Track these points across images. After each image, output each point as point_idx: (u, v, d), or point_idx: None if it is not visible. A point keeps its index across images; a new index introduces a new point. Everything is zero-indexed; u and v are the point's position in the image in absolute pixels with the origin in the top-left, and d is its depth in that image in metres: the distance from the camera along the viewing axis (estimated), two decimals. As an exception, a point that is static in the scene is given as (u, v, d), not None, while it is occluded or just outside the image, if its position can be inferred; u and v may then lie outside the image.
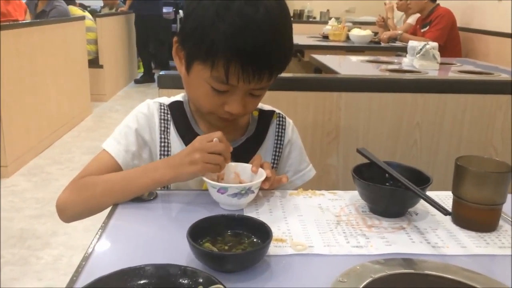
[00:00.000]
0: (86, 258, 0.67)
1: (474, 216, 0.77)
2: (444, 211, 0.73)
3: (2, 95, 2.87)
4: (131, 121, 0.95)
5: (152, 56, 6.33)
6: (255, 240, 0.69)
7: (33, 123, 3.34)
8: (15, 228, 2.33)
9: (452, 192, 0.80)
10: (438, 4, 3.80)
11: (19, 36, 3.13)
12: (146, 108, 0.97)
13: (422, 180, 0.82)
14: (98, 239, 0.72)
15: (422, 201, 0.80)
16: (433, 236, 0.76)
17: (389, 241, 0.73)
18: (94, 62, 4.83)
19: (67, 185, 0.90)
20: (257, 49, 0.79)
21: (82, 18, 4.45)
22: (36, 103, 3.39)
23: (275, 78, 0.88)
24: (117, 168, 0.91)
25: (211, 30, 0.79)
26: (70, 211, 0.89)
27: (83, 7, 5.51)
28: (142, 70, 6.35)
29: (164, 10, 6.57)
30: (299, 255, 0.69)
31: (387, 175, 0.85)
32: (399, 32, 3.84)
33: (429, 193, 0.79)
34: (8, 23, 3.09)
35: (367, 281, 0.61)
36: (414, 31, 3.95)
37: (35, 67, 3.38)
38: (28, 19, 3.50)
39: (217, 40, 0.79)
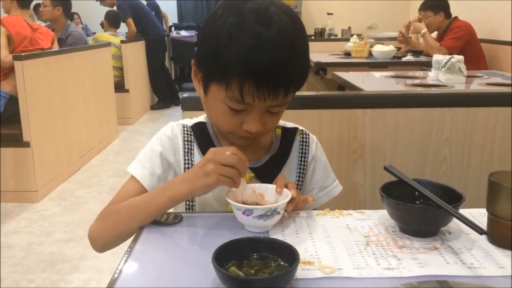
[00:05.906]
0: (112, 283, 0.67)
1: (511, 235, 0.74)
2: (479, 230, 0.70)
3: (33, 121, 2.95)
4: (155, 144, 0.97)
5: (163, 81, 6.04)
6: (282, 263, 0.67)
7: (62, 148, 3.41)
8: (45, 252, 2.37)
9: (487, 210, 0.76)
10: (456, 17, 3.76)
11: (49, 64, 3.23)
12: (170, 130, 0.98)
13: (454, 198, 0.79)
14: (124, 263, 0.72)
15: (455, 220, 0.77)
16: (468, 256, 0.72)
17: (422, 262, 0.70)
18: (119, 87, 4.93)
19: (97, 216, 0.91)
20: (270, 67, 0.79)
21: (108, 44, 4.57)
22: (66, 129, 3.48)
23: (293, 95, 0.88)
24: (144, 192, 0.91)
25: (224, 51, 0.80)
26: (100, 240, 0.90)
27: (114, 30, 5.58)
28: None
29: (187, 33, 6.73)
30: (328, 279, 0.67)
31: (417, 193, 0.82)
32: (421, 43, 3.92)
33: (462, 211, 0.76)
34: (36, 51, 3.19)
35: (401, 305, 0.58)
36: None
37: (64, 93, 3.48)
38: (56, 47, 3.61)
39: (230, 61, 0.80)
